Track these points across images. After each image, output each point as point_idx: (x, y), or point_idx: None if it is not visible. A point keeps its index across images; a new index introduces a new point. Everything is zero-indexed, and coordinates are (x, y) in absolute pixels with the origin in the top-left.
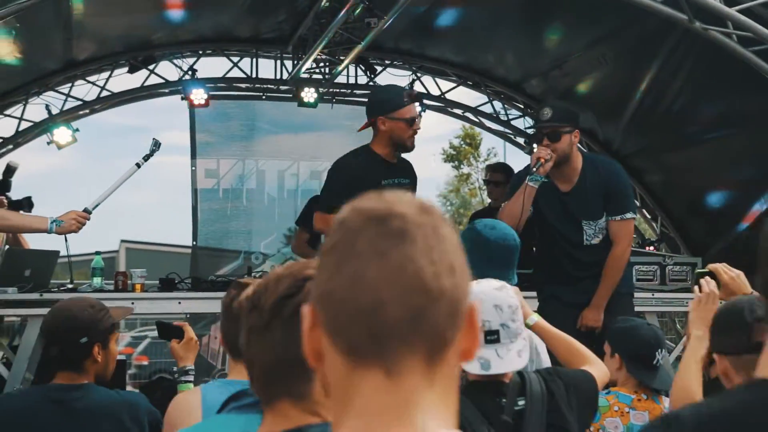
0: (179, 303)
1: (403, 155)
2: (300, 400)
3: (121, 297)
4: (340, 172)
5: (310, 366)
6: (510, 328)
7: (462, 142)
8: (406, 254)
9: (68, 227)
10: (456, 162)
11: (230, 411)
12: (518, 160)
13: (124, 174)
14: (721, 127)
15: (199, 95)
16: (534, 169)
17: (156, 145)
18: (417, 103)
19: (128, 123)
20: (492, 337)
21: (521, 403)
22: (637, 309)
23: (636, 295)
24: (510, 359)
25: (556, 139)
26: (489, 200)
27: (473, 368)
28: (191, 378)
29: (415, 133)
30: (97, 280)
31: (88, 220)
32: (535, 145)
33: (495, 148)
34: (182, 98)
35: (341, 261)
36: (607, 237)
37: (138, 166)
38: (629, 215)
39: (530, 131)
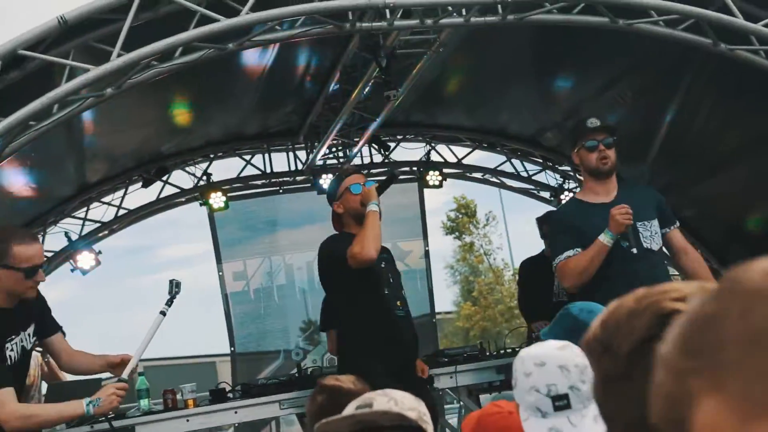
0: (235, 413)
1: None
2: None
3: (175, 416)
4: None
5: None
6: (581, 391)
7: (458, 214)
8: None
9: (108, 405)
10: (456, 233)
11: None
12: (516, 220)
13: (150, 328)
14: (754, 148)
15: (217, 199)
16: (620, 235)
17: (177, 286)
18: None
19: (134, 243)
20: (561, 402)
21: None
22: None
23: None
24: (585, 427)
25: (611, 146)
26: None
27: None
28: None
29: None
30: (144, 402)
31: (127, 390)
32: (577, 158)
33: (492, 212)
34: (201, 204)
35: None
36: (661, 249)
37: (163, 314)
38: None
39: (579, 142)
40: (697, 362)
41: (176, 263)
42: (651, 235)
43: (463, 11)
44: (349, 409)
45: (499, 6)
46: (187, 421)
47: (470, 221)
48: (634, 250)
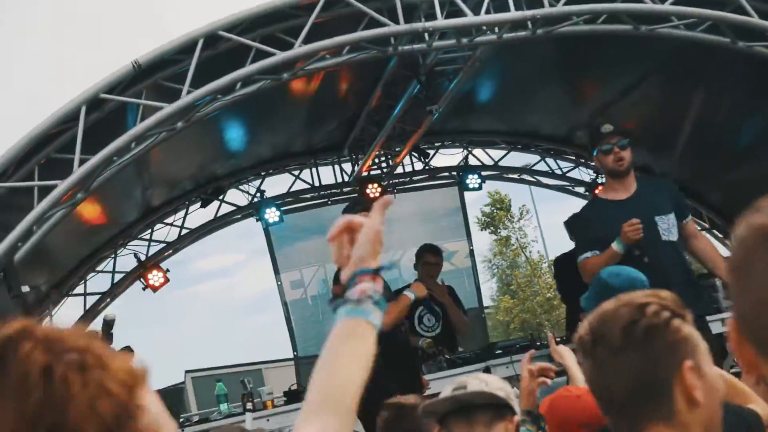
0: None
1: None
2: (671, 420)
3: (256, 416)
4: None
5: (750, 371)
6: None
7: (493, 208)
8: None
9: None
10: (492, 227)
11: None
12: (549, 211)
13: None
14: None
15: (271, 214)
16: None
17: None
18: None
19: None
20: None
21: None
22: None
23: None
24: None
25: (626, 147)
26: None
27: None
28: None
29: None
30: (224, 406)
31: None
32: (597, 156)
33: (525, 206)
34: (257, 220)
35: (744, 284)
36: (680, 240)
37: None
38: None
39: (593, 148)
40: None
41: (211, 275)
42: (668, 228)
43: (496, 29)
44: (446, 392)
45: (529, 22)
46: (267, 420)
47: (505, 215)
48: (646, 259)
